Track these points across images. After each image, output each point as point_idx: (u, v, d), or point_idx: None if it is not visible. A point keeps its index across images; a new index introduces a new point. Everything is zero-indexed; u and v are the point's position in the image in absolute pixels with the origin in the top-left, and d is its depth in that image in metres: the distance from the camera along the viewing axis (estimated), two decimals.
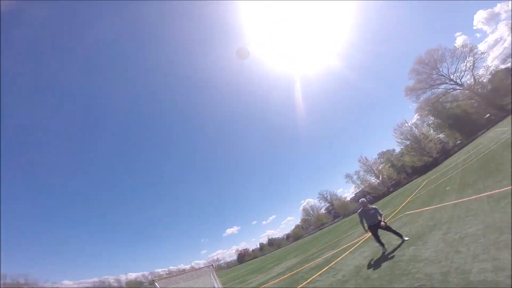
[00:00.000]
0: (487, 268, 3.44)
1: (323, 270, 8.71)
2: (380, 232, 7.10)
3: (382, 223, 6.75)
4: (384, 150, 75.00)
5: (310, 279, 8.13)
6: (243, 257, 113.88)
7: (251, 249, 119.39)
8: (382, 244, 6.91)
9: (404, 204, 16.56)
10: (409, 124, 57.85)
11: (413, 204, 14.18)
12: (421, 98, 56.38)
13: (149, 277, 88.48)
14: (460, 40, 55.58)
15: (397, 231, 7.01)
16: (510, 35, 48.28)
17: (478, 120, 48.28)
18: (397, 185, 59.01)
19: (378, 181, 64.69)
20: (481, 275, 3.37)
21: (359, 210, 7.32)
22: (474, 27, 69.39)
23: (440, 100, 54.39)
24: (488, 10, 65.49)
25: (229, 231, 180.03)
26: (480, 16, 66.46)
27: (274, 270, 15.90)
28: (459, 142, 53.76)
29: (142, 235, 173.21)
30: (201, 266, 7.91)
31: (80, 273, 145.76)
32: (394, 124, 65.13)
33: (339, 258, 9.56)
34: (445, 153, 51.92)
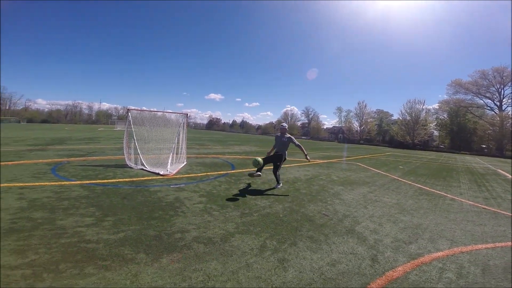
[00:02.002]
0: (369, 228, 3.87)
1: (271, 167, 9.42)
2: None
3: (308, 157, 6.06)
4: (384, 110, 73.43)
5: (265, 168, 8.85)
6: (212, 124, 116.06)
7: (223, 121, 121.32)
8: (259, 170, 5.63)
9: (360, 157, 17.63)
10: (423, 106, 55.10)
11: (366, 160, 15.10)
12: (456, 96, 53.79)
13: (121, 111, 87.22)
14: None
15: (278, 178, 5.97)
16: None
17: (475, 144, 47.46)
18: (368, 142, 61.25)
19: (358, 128, 65.96)
20: (359, 227, 3.80)
21: (279, 134, 6.04)
22: None
23: (468, 108, 51.53)
24: None
25: (212, 95, 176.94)
26: None
27: (233, 148, 16.90)
28: (441, 146, 54.12)
29: (126, 68, 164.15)
30: (172, 116, 7.48)
31: (55, 95, 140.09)
32: (413, 96, 61.30)
33: (286, 166, 10.32)
34: (424, 145, 52.71)
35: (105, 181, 5.25)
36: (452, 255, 3.02)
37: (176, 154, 7.69)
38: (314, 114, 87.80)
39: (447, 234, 3.70)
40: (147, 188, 4.91)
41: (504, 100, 48.72)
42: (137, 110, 7.86)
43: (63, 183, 4.87)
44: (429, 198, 6.05)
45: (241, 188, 5.60)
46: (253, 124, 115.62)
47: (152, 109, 8.19)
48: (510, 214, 5.04)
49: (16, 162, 6.71)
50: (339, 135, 72.77)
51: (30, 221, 3.01)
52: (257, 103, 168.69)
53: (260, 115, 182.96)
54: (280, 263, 2.53)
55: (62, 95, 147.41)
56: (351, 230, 3.61)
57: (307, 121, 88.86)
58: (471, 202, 5.88)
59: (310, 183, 6.79)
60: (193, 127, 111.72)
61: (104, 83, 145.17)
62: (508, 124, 45.22)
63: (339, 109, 72.99)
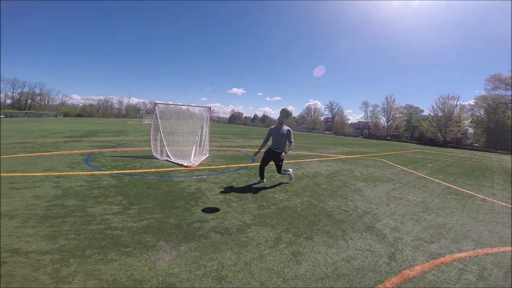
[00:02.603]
0: (390, 225, 3.73)
1: (291, 161, 9.44)
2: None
3: (283, 153, 4.93)
4: (414, 105, 69.51)
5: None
6: (234, 118, 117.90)
7: (244, 115, 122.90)
8: (262, 176, 5.24)
9: (386, 153, 16.89)
10: (457, 102, 51.78)
11: (391, 157, 14.45)
12: (495, 91, 49.82)
13: (148, 106, 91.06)
14: None
15: (285, 170, 5.42)
16: None
17: (508, 144, 43.60)
18: (396, 138, 58.40)
19: (385, 124, 63.15)
20: (379, 224, 3.68)
21: (273, 126, 5.12)
22: None
23: (508, 105, 47.62)
24: None
25: (234, 90, 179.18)
26: None
27: (254, 141, 16.89)
28: (476, 144, 50.29)
29: (152, 66, 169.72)
30: (196, 110, 7.71)
31: (89, 90, 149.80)
32: (447, 92, 57.27)
33: (308, 160, 10.28)
34: (456, 143, 49.26)
35: (133, 171, 5.53)
36: (475, 257, 2.85)
37: (199, 146, 7.94)
38: (338, 109, 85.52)
39: (472, 235, 3.48)
40: (171, 179, 5.11)
41: None
42: (163, 104, 8.13)
43: (94, 172, 5.21)
44: (458, 197, 5.67)
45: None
46: (274, 118, 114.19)
47: (177, 103, 8.46)
48: None
49: (53, 152, 7.28)
50: (365, 131, 70.34)
51: (63, 208, 3.24)
52: (279, 98, 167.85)
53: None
54: (294, 256, 2.53)
55: (95, 91, 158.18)
56: (371, 227, 3.51)
57: (331, 116, 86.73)
58: (503, 204, 5.43)
59: (331, 178, 6.64)
60: (216, 121, 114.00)
61: (133, 78, 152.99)
62: None
63: (365, 104, 71.08)
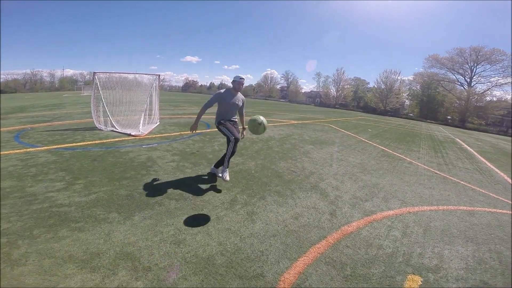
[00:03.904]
0: (332, 184, 4.20)
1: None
2: None
3: (244, 132, 4.01)
4: (361, 77, 75.00)
5: None
6: (188, 87, 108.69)
7: (200, 84, 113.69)
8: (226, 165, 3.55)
9: (333, 119, 18.32)
10: (398, 77, 58.12)
11: (338, 123, 15.72)
12: (431, 69, 56.54)
13: (87, 77, 78.55)
14: None
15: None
16: None
17: (441, 114, 50.99)
18: (343, 106, 63.22)
19: (335, 94, 67.51)
20: (323, 183, 4.11)
21: (222, 90, 3.67)
22: None
23: (440, 82, 54.82)
24: None
25: (188, 58, 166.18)
26: None
27: (210, 108, 16.30)
28: (410, 114, 57.44)
29: (91, 30, 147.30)
30: (145, 79, 7.03)
31: (11, 65, 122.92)
32: (391, 66, 62.82)
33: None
34: (394, 112, 55.67)
35: (74, 144, 5.05)
36: (400, 215, 3.33)
37: (149, 115, 7.59)
38: (293, 78, 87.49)
39: (399, 195, 4.07)
40: (118, 149, 4.83)
41: (474, 77, 51.79)
42: (105, 73, 7.34)
43: (28, 150, 4.61)
44: (390, 160, 6.59)
45: (216, 146, 5.72)
46: (231, 86, 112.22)
47: (122, 72, 7.68)
48: (463, 183, 5.69)
49: None
50: (316, 99, 74.13)
51: None
52: (237, 66, 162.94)
53: None
54: (249, 216, 2.75)
55: (18, 65, 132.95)
56: (315, 186, 3.93)
57: (286, 85, 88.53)
58: (425, 167, 6.44)
59: (283, 142, 7.07)
60: (167, 90, 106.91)
61: (67, 48, 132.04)
62: (473, 99, 48.94)
63: (318, 75, 74.95)
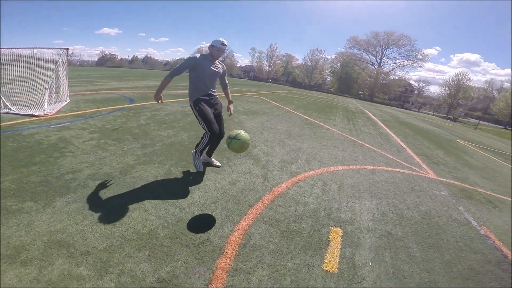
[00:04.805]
0: (263, 150, 4.53)
1: (178, 100, 9.24)
2: None
3: (231, 105, 3.30)
4: (292, 54, 78.78)
5: (163, 101, 8.14)
6: (105, 61, 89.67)
7: (119, 57, 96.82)
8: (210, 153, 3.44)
9: (265, 92, 19.11)
10: (322, 55, 63.38)
11: (269, 96, 16.54)
12: (350, 50, 64.35)
13: None
14: (429, 51, 61.93)
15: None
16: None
17: (354, 90, 58.95)
18: (275, 81, 66.47)
19: (267, 69, 69.83)
20: (255, 150, 4.41)
21: (197, 54, 2.94)
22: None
23: (356, 61, 63.10)
24: None
25: (106, 30, 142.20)
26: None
27: (133, 82, 14.66)
28: (331, 89, 64.36)
29: None
30: (47, 54, 5.65)
31: None
32: (317, 46, 67.68)
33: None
34: (318, 87, 61.63)
35: None
36: (320, 174, 3.86)
37: (56, 94, 6.40)
38: (229, 52, 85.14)
39: (318, 157, 4.71)
40: (19, 132, 4.00)
41: (383, 58, 61.69)
42: None
43: None
44: (311, 127, 7.51)
45: (142, 120, 5.35)
46: (160, 60, 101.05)
47: (13, 47, 6.07)
48: (368, 145, 6.83)
49: None
50: (251, 73, 75.43)
51: None
52: (166, 38, 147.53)
53: (170, 51, 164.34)
54: (186, 186, 2.79)
55: None
56: (249, 152, 4.20)
57: (221, 59, 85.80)
58: (340, 132, 7.56)
59: None
60: (77, 65, 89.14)
61: None
62: (380, 78, 58.76)
63: (253, 50, 76.78)
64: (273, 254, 2.00)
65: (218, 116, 3.13)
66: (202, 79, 2.93)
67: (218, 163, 3.49)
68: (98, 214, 2.14)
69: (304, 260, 1.99)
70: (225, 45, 2.94)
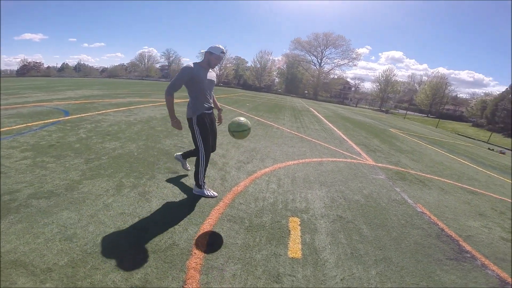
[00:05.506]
0: (219, 153, 4.65)
1: (121, 109, 8.39)
2: None
3: (220, 114, 3.37)
4: (242, 57, 79.49)
5: (104, 111, 7.51)
6: (28, 70, 72.82)
7: (46, 66, 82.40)
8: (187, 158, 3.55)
9: (216, 96, 19.21)
10: (270, 57, 65.78)
11: (221, 100, 16.66)
12: (294, 51, 67.80)
13: None
14: (361, 50, 69.15)
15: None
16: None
17: (300, 89, 62.64)
18: (226, 84, 66.48)
19: (218, 72, 69.29)
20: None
21: (191, 64, 2.71)
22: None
23: (300, 62, 66.89)
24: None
25: (28, 36, 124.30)
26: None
27: (65, 93, 12.84)
28: (279, 90, 67.20)
29: None
30: None
31: None
32: (266, 48, 69.48)
33: (141, 106, 9.68)
34: (267, 88, 63.74)
35: None
36: (274, 170, 4.15)
37: None
38: (175, 57, 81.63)
39: (271, 155, 5.04)
40: None
41: (323, 59, 66.65)
42: None
43: None
44: (263, 127, 7.90)
45: (82, 134, 4.93)
46: (95, 66, 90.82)
47: None
48: (314, 140, 7.42)
49: None
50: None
51: None
52: (102, 43, 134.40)
53: (107, 56, 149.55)
54: (142, 196, 2.75)
55: None
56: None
57: (167, 64, 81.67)
58: (288, 130, 8.12)
59: (166, 120, 6.95)
60: None
61: None
62: (322, 77, 63.52)
63: (202, 54, 73.46)
64: (242, 249, 2.15)
65: (214, 132, 3.08)
66: (203, 91, 2.76)
67: (189, 167, 3.58)
68: (50, 232, 2.02)
69: (271, 250, 2.19)
70: (224, 53, 2.80)
